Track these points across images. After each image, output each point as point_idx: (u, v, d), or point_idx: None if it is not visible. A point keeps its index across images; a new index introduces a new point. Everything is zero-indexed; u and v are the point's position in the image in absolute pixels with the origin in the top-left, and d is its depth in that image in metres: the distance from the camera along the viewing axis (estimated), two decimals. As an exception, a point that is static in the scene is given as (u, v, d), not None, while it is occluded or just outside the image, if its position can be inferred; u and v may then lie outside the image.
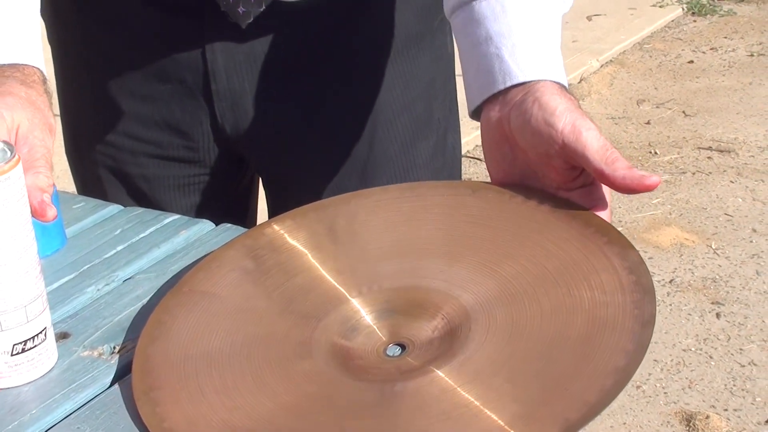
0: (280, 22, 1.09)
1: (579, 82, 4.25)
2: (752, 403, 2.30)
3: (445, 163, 1.25)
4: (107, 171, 1.21)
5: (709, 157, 3.53)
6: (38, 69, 0.91)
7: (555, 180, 0.88)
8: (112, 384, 0.81)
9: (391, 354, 0.81)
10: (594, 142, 0.83)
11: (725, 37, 4.86)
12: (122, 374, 0.82)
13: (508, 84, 0.88)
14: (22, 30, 0.92)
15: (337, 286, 0.87)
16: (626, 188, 0.83)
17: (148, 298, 0.91)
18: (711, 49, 4.72)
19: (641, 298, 0.78)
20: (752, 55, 4.58)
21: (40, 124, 0.86)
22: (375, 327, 0.84)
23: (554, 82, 0.88)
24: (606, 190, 0.88)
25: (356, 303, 0.85)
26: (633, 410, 2.30)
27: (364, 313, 0.85)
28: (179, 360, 0.81)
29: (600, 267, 0.82)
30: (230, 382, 0.78)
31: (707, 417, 2.24)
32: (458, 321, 0.81)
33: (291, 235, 0.93)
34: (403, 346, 0.82)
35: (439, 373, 0.76)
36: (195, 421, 0.75)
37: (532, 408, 0.71)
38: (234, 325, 0.84)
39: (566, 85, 0.89)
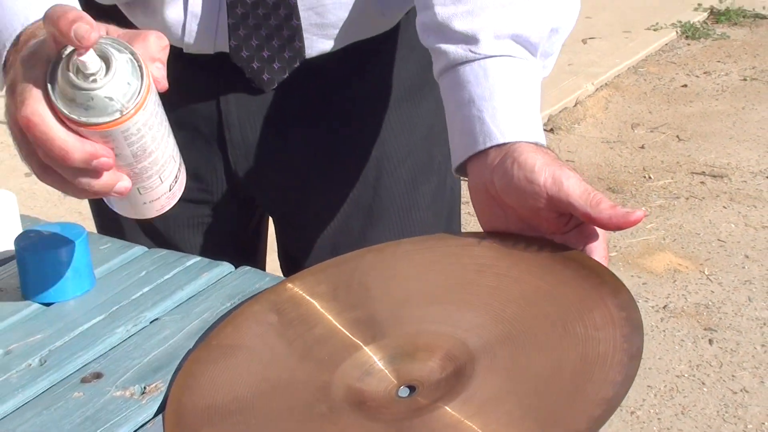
0: (293, 74, 1.15)
1: (575, 106, 4.32)
2: (744, 430, 2.36)
3: (444, 203, 1.32)
4: None
5: (702, 182, 3.59)
6: None
7: (549, 229, 0.94)
8: (145, 423, 0.86)
9: (403, 395, 0.87)
10: (576, 189, 0.89)
11: (719, 61, 4.93)
12: (154, 413, 0.87)
13: (488, 145, 0.95)
14: None
15: (350, 336, 0.93)
16: (613, 226, 0.89)
17: (174, 339, 0.97)
18: (704, 73, 4.79)
19: (630, 332, 0.84)
20: (745, 80, 4.64)
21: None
22: (387, 371, 0.89)
23: (530, 142, 0.94)
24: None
25: (369, 350, 0.91)
26: (628, 436, 2.36)
27: (376, 359, 0.90)
28: (209, 408, 0.87)
29: (593, 305, 0.88)
30: (254, 427, 0.84)
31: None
32: (463, 361, 0.87)
33: (311, 290, 0.99)
34: (413, 388, 0.87)
35: (447, 408, 0.81)
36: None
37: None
38: (258, 374, 0.90)
39: (544, 144, 0.96)
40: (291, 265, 1.29)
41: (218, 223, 1.27)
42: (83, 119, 0.77)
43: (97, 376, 0.92)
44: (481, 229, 1.00)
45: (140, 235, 1.24)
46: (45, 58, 0.78)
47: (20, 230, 1.10)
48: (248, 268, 1.08)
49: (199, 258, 1.10)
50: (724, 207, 3.44)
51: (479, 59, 0.97)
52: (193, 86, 1.16)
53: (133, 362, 0.94)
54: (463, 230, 1.34)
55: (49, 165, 0.80)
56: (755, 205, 3.44)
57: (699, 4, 5.58)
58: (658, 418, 2.41)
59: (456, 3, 0.98)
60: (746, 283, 2.97)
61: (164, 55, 0.81)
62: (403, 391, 0.87)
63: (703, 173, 3.67)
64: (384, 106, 1.22)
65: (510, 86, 0.97)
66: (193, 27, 1.10)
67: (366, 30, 1.16)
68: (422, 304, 0.95)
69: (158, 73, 0.81)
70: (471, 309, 0.93)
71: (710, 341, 2.70)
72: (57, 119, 0.77)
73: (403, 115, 1.23)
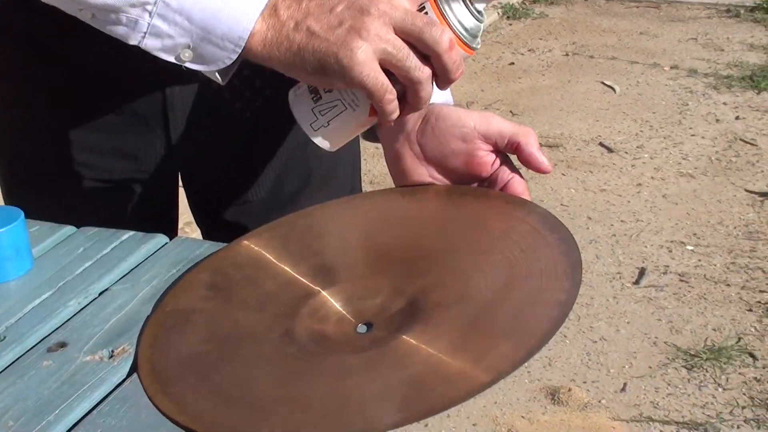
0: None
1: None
2: (607, 375, 2.51)
3: (357, 163, 1.39)
4: (39, 185, 1.28)
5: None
6: None
7: (479, 174, 1.02)
8: (122, 382, 0.90)
9: (361, 332, 0.94)
10: (505, 123, 0.99)
11: (540, 39, 5.13)
12: (128, 373, 0.92)
13: None
14: None
15: (307, 283, 0.99)
16: (532, 163, 0.99)
17: (129, 306, 1.01)
18: (529, 50, 4.98)
19: (567, 248, 0.93)
20: (567, 55, 4.85)
21: None
22: (344, 312, 0.96)
23: (442, 104, 1.04)
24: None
25: (325, 294, 0.98)
26: (502, 390, 2.47)
27: (333, 301, 0.97)
28: (181, 362, 0.92)
29: (524, 231, 0.97)
30: (232, 374, 0.90)
31: (569, 390, 2.44)
32: (415, 295, 0.94)
33: (255, 251, 1.05)
34: (369, 324, 0.94)
35: (404, 337, 0.88)
36: (212, 404, 0.86)
37: (495, 341, 0.84)
38: (220, 332, 0.95)
39: (452, 103, 1.05)
40: (218, 231, 1.33)
41: (142, 197, 1.30)
42: (469, 43, 0.94)
43: (62, 345, 0.96)
44: None
45: (55, 211, 1.24)
46: None
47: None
48: (184, 237, 1.13)
49: (133, 232, 1.14)
50: (563, 174, 3.61)
51: None
52: (140, 75, 1.18)
53: (95, 330, 0.98)
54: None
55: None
56: (591, 170, 3.62)
57: (516, -15, 5.78)
58: (528, 371, 2.54)
59: None
60: (592, 242, 3.14)
61: None
62: (361, 328, 0.94)
63: (540, 144, 3.80)
64: None
65: None
66: None
67: None
68: (367, 251, 1.03)
69: None
70: (412, 250, 1.01)
71: (567, 298, 2.83)
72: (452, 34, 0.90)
73: None
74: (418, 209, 1.06)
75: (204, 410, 0.85)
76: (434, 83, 0.92)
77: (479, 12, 0.94)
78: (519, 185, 1.02)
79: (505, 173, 1.02)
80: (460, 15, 0.93)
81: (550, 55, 4.85)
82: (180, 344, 0.94)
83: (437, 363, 0.84)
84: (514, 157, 1.03)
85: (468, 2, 0.93)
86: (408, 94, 0.90)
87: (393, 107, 0.90)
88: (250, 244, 1.06)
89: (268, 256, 1.04)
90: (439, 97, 1.03)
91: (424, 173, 1.04)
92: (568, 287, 0.88)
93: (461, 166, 1.03)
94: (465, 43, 0.93)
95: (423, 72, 0.89)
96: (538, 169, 1.00)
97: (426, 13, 0.92)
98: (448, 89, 1.05)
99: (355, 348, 0.92)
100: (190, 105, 1.21)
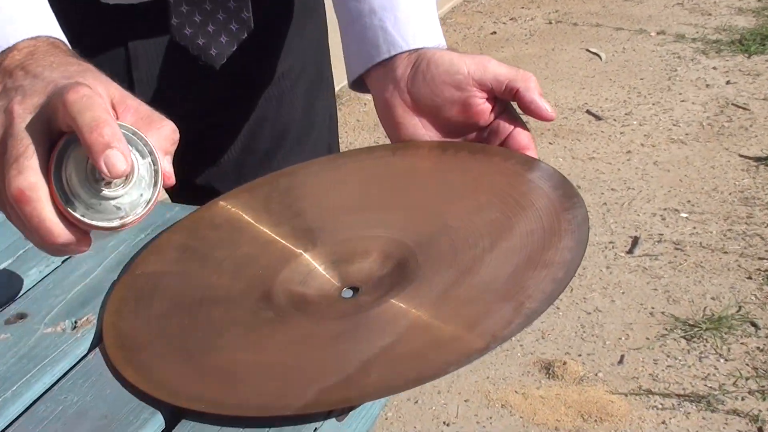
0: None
1: (392, 59, 4.34)
2: (603, 347, 2.43)
3: (333, 122, 1.32)
4: None
5: (525, 121, 3.66)
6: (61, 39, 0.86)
7: (477, 124, 0.95)
8: (84, 356, 0.81)
9: (346, 296, 0.86)
10: (502, 67, 0.93)
11: (522, 7, 5.04)
12: (92, 345, 0.83)
13: (393, 53, 0.95)
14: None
15: (288, 245, 0.90)
16: (532, 110, 0.93)
17: (94, 274, 0.92)
18: (511, 19, 4.89)
19: (570, 204, 0.85)
20: (550, 23, 4.77)
21: (117, 85, 0.79)
22: (328, 275, 0.88)
23: (436, 47, 0.96)
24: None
25: (307, 256, 0.89)
26: (494, 364, 2.39)
27: (316, 264, 0.88)
28: (148, 329, 0.83)
29: (526, 189, 0.89)
30: (201, 340, 0.81)
31: (564, 363, 2.36)
32: (404, 258, 0.86)
33: (245, 206, 0.97)
34: (355, 289, 0.86)
35: (393, 301, 0.80)
36: (179, 372, 0.77)
37: (491, 305, 0.77)
38: (192, 296, 0.87)
39: (446, 46, 0.97)
40: (188, 197, 1.25)
41: None
42: (82, 218, 0.72)
43: (21, 316, 0.87)
44: None
45: None
46: (47, 119, 0.72)
47: None
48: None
49: (98, 196, 1.05)
50: (550, 143, 3.53)
51: None
52: (102, 31, 1.10)
53: (57, 299, 0.89)
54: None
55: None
56: (578, 138, 3.54)
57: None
58: (521, 345, 2.46)
59: None
60: (583, 211, 3.05)
61: (173, 148, 0.78)
62: (347, 293, 0.86)
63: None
64: (284, 20, 1.19)
65: None
66: None
67: None
68: (354, 211, 0.94)
69: (169, 168, 0.76)
70: (403, 210, 0.92)
71: (559, 268, 2.76)
72: (50, 195, 0.72)
73: (298, 30, 1.21)
74: (409, 167, 0.97)
75: (171, 378, 0.77)
76: None
77: (110, 183, 0.72)
78: (522, 137, 0.95)
79: (506, 123, 0.95)
80: (70, 176, 0.73)
81: (533, 24, 4.76)
82: (148, 310, 0.86)
83: (427, 328, 0.77)
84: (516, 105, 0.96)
85: (87, 166, 0.72)
86: None
87: None
88: (227, 205, 0.98)
89: (246, 217, 0.95)
90: (428, 41, 0.95)
91: (417, 125, 0.96)
92: (573, 245, 0.80)
93: (457, 115, 0.95)
94: (73, 215, 0.73)
95: None
96: (540, 117, 0.93)
97: None
98: (440, 31, 0.97)
99: (339, 313, 0.84)
100: (156, 62, 1.14)
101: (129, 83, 1.13)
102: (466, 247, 0.85)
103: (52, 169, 0.71)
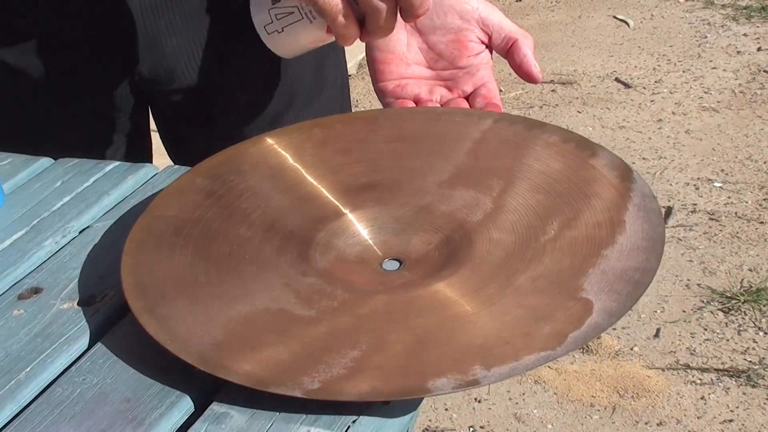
0: None
1: (415, 29, 4.26)
2: (638, 320, 2.36)
3: (345, 78, 1.26)
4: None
5: (553, 90, 3.59)
6: None
7: (457, 58, 0.96)
8: (104, 333, 0.75)
9: (389, 269, 0.79)
10: (506, 20, 0.96)
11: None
12: (111, 322, 0.76)
13: None
14: None
15: (333, 200, 0.84)
16: (524, 67, 0.94)
17: (114, 245, 0.86)
18: (536, -14, 4.80)
19: (641, 201, 0.78)
20: (577, -9, 4.67)
21: None
22: (371, 242, 0.81)
23: None
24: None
25: (351, 217, 0.83)
26: (526, 338, 2.32)
27: (360, 227, 0.82)
28: (173, 280, 0.77)
29: (589, 177, 0.82)
30: (228, 302, 0.74)
31: (599, 337, 2.29)
32: (458, 236, 0.80)
33: (288, 147, 0.91)
34: (400, 261, 0.79)
35: (442, 285, 0.74)
36: (203, 327, 0.71)
37: (562, 301, 0.70)
38: (219, 249, 0.80)
39: None
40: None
41: (115, 126, 1.16)
42: None
43: (36, 291, 0.81)
44: None
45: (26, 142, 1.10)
46: None
47: None
48: (176, 166, 0.98)
49: (118, 162, 0.99)
50: (578, 112, 3.45)
51: None
52: None
53: (74, 272, 0.83)
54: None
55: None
56: (608, 107, 3.46)
57: None
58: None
59: None
60: (613, 181, 2.98)
61: None
62: (390, 264, 0.79)
63: (552, 81, 3.66)
64: None
65: None
66: None
67: None
68: (402, 176, 0.87)
69: None
70: (457, 179, 0.86)
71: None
72: None
73: None
74: (457, 134, 0.90)
75: (195, 340, 0.70)
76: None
77: None
78: (493, 93, 0.96)
79: (481, 74, 0.97)
80: None
81: (559, -9, 4.68)
82: (171, 259, 0.79)
83: (473, 319, 0.70)
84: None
85: None
86: (367, 21, 0.85)
87: (345, 30, 0.85)
88: (273, 143, 0.91)
89: (287, 159, 0.88)
90: None
91: (401, 40, 0.98)
92: (648, 230, 0.73)
93: (446, 43, 0.97)
94: None
95: (383, 1, 0.83)
96: (530, 74, 0.95)
97: None
98: None
99: (386, 288, 0.76)
100: (152, 20, 1.07)
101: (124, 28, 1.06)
102: (529, 233, 0.78)
103: None
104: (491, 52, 0.98)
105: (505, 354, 0.65)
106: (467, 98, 0.96)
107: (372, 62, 0.99)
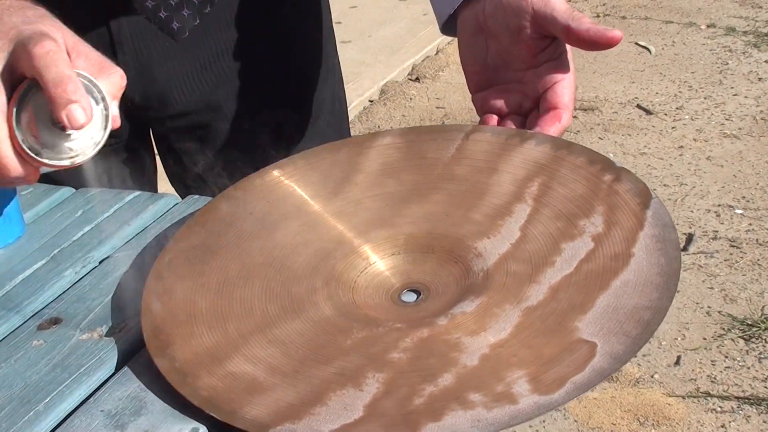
0: None
1: (436, 54, 4.27)
2: (659, 348, 2.35)
3: (342, 109, 1.27)
4: None
5: (574, 116, 3.58)
6: None
7: (525, 58, 0.92)
8: (122, 365, 0.76)
9: (407, 300, 0.79)
10: (561, 5, 0.90)
11: (569, 0, 4.94)
12: (131, 352, 0.77)
13: None
14: None
15: (342, 229, 0.85)
16: (591, 41, 0.89)
17: (133, 275, 0.87)
18: (558, 13, 4.80)
19: (660, 232, 0.77)
20: (598, 16, 4.68)
21: (72, 31, 0.82)
22: (387, 272, 0.81)
23: None
24: (571, 58, 0.94)
25: (366, 249, 0.83)
26: (546, 365, 2.32)
27: (375, 257, 0.82)
28: (187, 316, 0.78)
29: (612, 204, 0.81)
30: (237, 333, 0.75)
31: (619, 364, 2.28)
32: (475, 265, 0.79)
33: (297, 178, 0.91)
34: (417, 292, 0.80)
35: (451, 324, 0.73)
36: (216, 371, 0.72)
37: (571, 344, 0.69)
38: (234, 280, 0.81)
39: None
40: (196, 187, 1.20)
41: (113, 156, 1.17)
42: (36, 157, 0.76)
43: (55, 321, 0.82)
44: None
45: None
46: (11, 64, 0.76)
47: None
48: (197, 196, 0.98)
49: (138, 192, 1.00)
50: (600, 138, 3.45)
51: None
52: (82, 11, 1.04)
53: (93, 303, 0.83)
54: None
55: None
56: (629, 133, 3.46)
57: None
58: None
59: None
60: (634, 207, 2.97)
61: (120, 93, 0.81)
62: (408, 296, 0.79)
63: (575, 108, 3.66)
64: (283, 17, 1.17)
65: None
66: None
67: None
68: (417, 202, 0.87)
69: (116, 112, 0.80)
70: (472, 207, 0.85)
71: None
72: (8, 134, 0.76)
73: (303, 22, 1.20)
74: (480, 153, 0.90)
75: (219, 390, 0.70)
76: None
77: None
78: (565, 90, 0.93)
79: (551, 71, 0.93)
80: (28, 119, 0.77)
81: (581, 18, 4.68)
82: (188, 291, 0.81)
83: (497, 357, 0.69)
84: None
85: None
86: None
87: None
88: (281, 176, 0.91)
89: (298, 191, 0.89)
90: None
91: (481, 45, 0.95)
92: (664, 264, 0.74)
93: (507, 44, 0.93)
94: (29, 155, 0.77)
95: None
96: (605, 40, 0.90)
97: None
98: None
99: (405, 320, 0.76)
100: (142, 45, 1.09)
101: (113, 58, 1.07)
102: (550, 262, 0.77)
103: (12, 109, 0.75)
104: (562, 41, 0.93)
105: (504, 397, 0.65)
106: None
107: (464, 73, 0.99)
